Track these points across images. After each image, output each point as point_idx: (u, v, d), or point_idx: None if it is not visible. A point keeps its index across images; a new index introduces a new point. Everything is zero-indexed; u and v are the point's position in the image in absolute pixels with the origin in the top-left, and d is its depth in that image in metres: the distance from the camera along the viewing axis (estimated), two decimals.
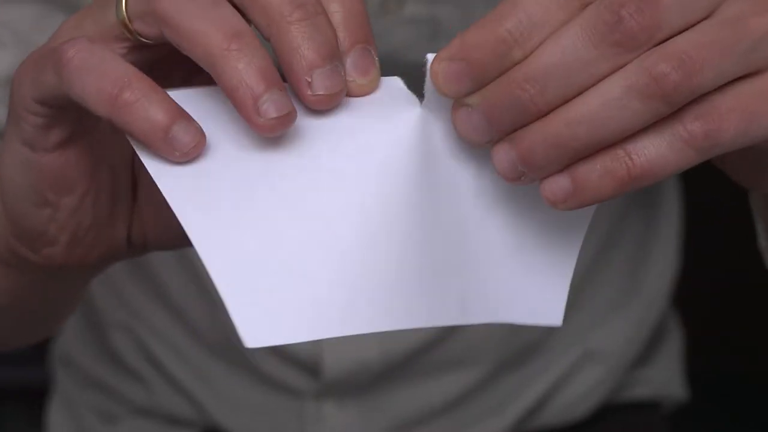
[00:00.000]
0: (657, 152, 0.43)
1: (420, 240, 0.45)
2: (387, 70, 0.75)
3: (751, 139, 0.43)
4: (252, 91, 0.43)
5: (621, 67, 0.42)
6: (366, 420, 0.84)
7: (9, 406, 1.75)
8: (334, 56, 0.44)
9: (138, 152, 0.44)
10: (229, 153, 0.44)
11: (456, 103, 0.44)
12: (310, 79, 0.44)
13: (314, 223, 0.44)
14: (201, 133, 0.44)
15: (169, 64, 0.49)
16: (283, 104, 0.43)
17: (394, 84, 0.47)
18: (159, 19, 0.45)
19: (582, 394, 0.88)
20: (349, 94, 0.46)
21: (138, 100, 0.44)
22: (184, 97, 0.45)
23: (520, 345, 0.85)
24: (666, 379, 0.93)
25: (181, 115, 0.44)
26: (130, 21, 0.46)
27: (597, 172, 0.43)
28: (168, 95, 0.44)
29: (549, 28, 0.42)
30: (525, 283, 0.47)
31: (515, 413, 0.86)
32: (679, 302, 0.97)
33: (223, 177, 0.44)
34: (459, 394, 0.85)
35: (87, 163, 0.50)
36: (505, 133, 0.43)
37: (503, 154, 0.44)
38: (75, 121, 0.49)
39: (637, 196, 0.89)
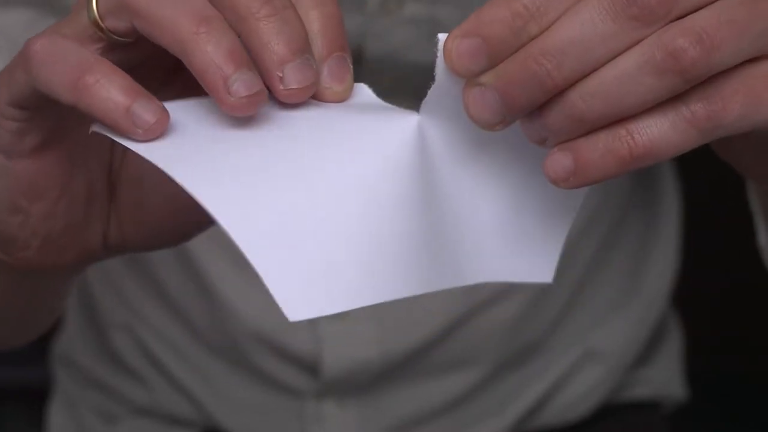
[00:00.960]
0: (659, 132, 0.43)
1: (421, 212, 0.46)
2: (387, 70, 0.75)
3: (755, 123, 0.43)
4: (221, 71, 0.43)
5: (638, 42, 0.42)
6: (366, 420, 0.84)
7: (9, 406, 1.75)
8: (304, 49, 0.45)
9: (137, 150, 0.44)
10: (240, 139, 0.45)
11: (468, 83, 0.44)
12: (281, 74, 0.45)
13: (327, 201, 0.44)
14: (162, 110, 0.44)
15: (147, 67, 0.49)
16: (253, 83, 0.44)
17: (364, 91, 0.48)
18: (129, 11, 0.45)
19: (582, 394, 0.88)
20: (323, 101, 0.47)
21: (98, 81, 0.44)
22: (182, 107, 0.46)
23: (520, 345, 0.86)
24: (666, 379, 0.93)
25: (141, 93, 0.44)
26: (101, 19, 0.46)
27: (599, 152, 0.43)
28: (127, 76, 0.45)
29: (565, 2, 0.42)
30: (520, 244, 0.48)
31: (515, 413, 0.87)
32: (679, 302, 0.97)
33: (238, 161, 0.44)
34: (459, 394, 0.85)
35: (62, 169, 0.50)
36: (519, 112, 0.43)
37: (527, 119, 0.44)
38: (50, 127, 0.49)
39: (637, 196, 0.89)
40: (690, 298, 1.05)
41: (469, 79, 0.44)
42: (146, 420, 0.88)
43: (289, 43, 0.44)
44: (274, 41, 0.44)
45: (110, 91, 0.44)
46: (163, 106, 0.44)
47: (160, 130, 0.44)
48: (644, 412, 0.92)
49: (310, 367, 0.83)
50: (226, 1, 0.45)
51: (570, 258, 0.85)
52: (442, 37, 0.44)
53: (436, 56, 0.44)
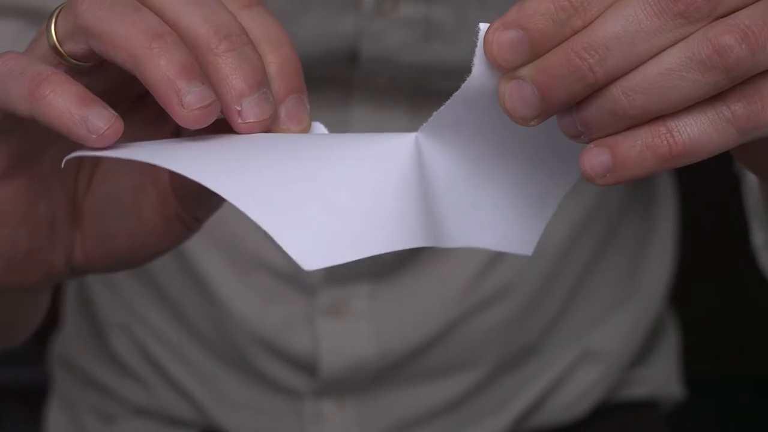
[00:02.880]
0: (699, 131, 0.43)
1: (418, 176, 0.47)
2: (382, 71, 0.75)
3: None
4: (174, 84, 0.44)
5: (681, 40, 0.42)
6: (365, 420, 0.84)
7: (8, 406, 1.75)
8: (261, 83, 0.46)
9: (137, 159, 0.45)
10: (235, 139, 0.47)
11: (504, 76, 0.44)
12: (239, 108, 0.45)
13: (324, 163, 0.46)
14: (116, 117, 0.45)
15: (112, 95, 0.49)
16: (206, 95, 0.44)
17: (321, 130, 0.49)
18: (85, 32, 0.45)
19: (580, 393, 0.88)
20: None
21: (53, 91, 0.45)
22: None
23: (518, 346, 0.86)
24: (663, 379, 0.93)
25: (95, 101, 0.45)
26: (60, 44, 0.47)
27: (638, 149, 0.43)
28: (81, 86, 0.45)
29: None
30: (506, 216, 0.49)
31: (514, 413, 0.87)
32: (677, 302, 0.97)
33: (230, 146, 0.46)
34: (457, 395, 0.85)
35: (25, 196, 0.51)
36: (556, 107, 0.43)
37: (566, 113, 0.44)
38: (16, 153, 0.49)
39: (634, 196, 0.89)
40: (687, 297, 1.05)
41: (506, 72, 0.43)
42: (145, 420, 0.88)
43: (247, 78, 0.45)
44: (232, 76, 0.45)
45: (65, 99, 0.45)
46: (117, 115, 0.45)
47: (113, 136, 0.45)
48: (642, 412, 0.92)
49: (308, 367, 0.83)
50: (188, 38, 0.45)
51: (567, 258, 0.85)
52: (483, 26, 0.43)
53: (476, 47, 0.44)
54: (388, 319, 0.82)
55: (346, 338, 0.82)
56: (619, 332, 0.89)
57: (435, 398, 0.85)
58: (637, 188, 0.90)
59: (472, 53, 0.75)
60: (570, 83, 0.42)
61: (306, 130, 0.48)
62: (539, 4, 0.42)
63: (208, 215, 0.52)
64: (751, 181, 0.70)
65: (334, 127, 0.78)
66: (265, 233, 0.83)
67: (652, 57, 0.42)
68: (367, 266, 0.81)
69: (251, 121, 0.46)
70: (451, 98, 0.45)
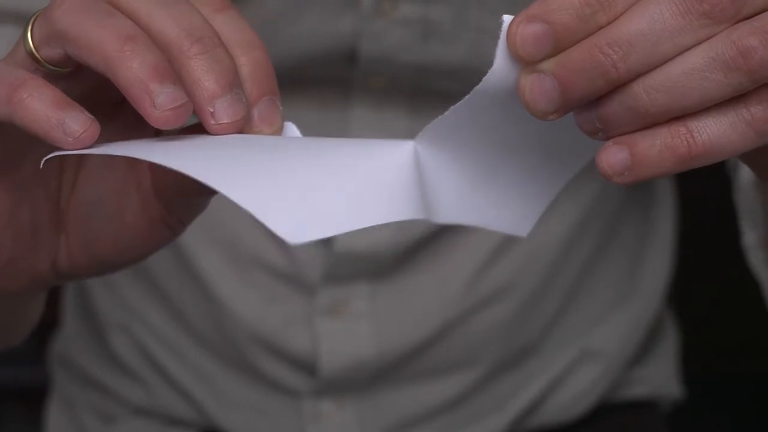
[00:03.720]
0: (718, 132, 0.43)
1: (411, 151, 0.47)
2: (381, 71, 0.75)
3: None
4: (146, 86, 0.45)
5: (705, 40, 0.42)
6: (364, 419, 0.84)
7: (8, 406, 1.75)
8: (233, 85, 0.46)
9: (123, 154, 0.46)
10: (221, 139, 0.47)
11: (525, 69, 0.44)
12: (212, 109, 0.46)
13: (304, 144, 0.47)
14: (92, 120, 0.45)
15: (91, 101, 0.49)
16: (177, 96, 0.45)
17: (291, 129, 0.49)
18: (60, 37, 0.46)
19: (579, 393, 0.88)
20: None
21: (31, 95, 0.45)
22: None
23: (517, 345, 0.86)
24: (662, 379, 0.93)
25: (71, 105, 0.46)
26: (37, 50, 0.47)
27: (657, 148, 0.43)
28: (58, 90, 0.46)
29: None
30: (506, 196, 0.49)
31: (513, 413, 0.87)
32: (676, 302, 0.97)
33: (214, 142, 0.47)
34: (457, 394, 0.85)
35: (6, 202, 0.51)
36: (576, 102, 0.43)
37: (585, 109, 0.44)
38: None
39: (633, 196, 0.89)
40: (686, 297, 1.05)
41: (527, 65, 0.43)
42: (144, 420, 0.88)
43: (219, 79, 0.46)
44: (204, 78, 0.46)
45: (42, 103, 0.45)
46: (93, 118, 0.45)
47: (89, 139, 0.45)
48: (641, 412, 0.92)
49: (308, 366, 0.83)
50: (160, 42, 0.46)
51: (566, 258, 0.85)
52: (507, 18, 0.43)
53: (499, 39, 0.44)
54: (388, 319, 0.82)
55: (346, 338, 0.82)
56: (619, 332, 0.89)
57: (434, 398, 0.85)
58: (637, 188, 0.90)
59: (471, 53, 0.75)
60: (592, 78, 0.42)
61: (279, 132, 0.49)
62: None
63: (192, 217, 0.52)
64: (743, 180, 0.70)
65: (333, 127, 0.78)
66: (264, 233, 0.83)
67: (675, 56, 0.42)
68: (366, 266, 0.81)
69: (224, 122, 0.46)
70: (472, 92, 0.45)
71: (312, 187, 0.45)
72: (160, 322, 0.86)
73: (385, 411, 0.84)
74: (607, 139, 0.44)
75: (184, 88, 0.46)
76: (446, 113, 0.46)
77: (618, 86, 0.43)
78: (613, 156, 0.43)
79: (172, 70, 0.45)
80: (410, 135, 0.49)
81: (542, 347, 0.87)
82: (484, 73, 0.81)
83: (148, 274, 0.85)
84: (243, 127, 0.47)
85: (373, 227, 0.79)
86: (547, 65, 0.43)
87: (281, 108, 0.49)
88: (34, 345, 0.83)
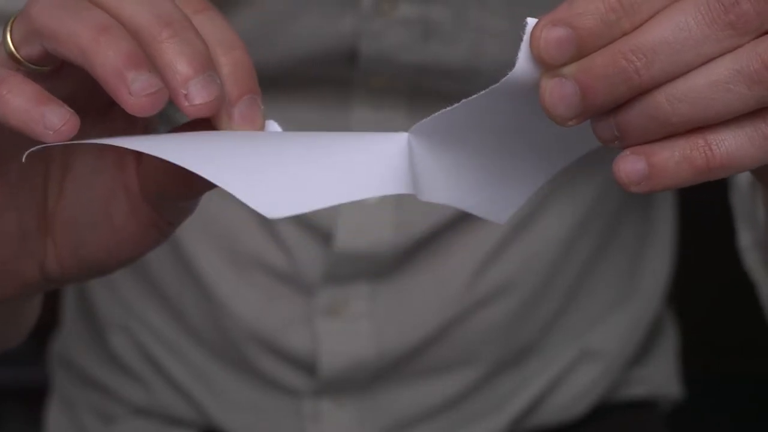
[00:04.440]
0: (736, 145, 0.43)
1: (398, 139, 0.48)
2: (381, 70, 0.75)
3: None
4: (122, 74, 0.45)
5: (729, 51, 0.42)
6: (364, 418, 0.84)
7: (8, 406, 1.75)
8: (205, 66, 0.46)
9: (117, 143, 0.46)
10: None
11: (546, 73, 0.43)
12: (186, 91, 0.46)
13: (296, 135, 0.48)
14: (71, 114, 0.46)
15: (80, 102, 0.50)
16: (153, 82, 0.45)
17: (273, 127, 0.50)
18: (37, 34, 0.46)
19: (579, 393, 0.88)
20: None
21: (10, 92, 0.46)
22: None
23: (516, 344, 0.86)
24: (662, 378, 0.93)
25: (51, 99, 0.46)
26: (17, 50, 0.47)
27: (675, 159, 0.43)
28: (38, 85, 0.46)
29: (660, 1, 0.42)
30: (489, 182, 0.49)
31: (512, 412, 0.87)
32: (676, 301, 0.97)
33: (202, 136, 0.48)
34: (456, 394, 0.85)
35: None
36: (596, 108, 0.43)
37: (603, 116, 0.44)
38: None
39: (633, 196, 0.89)
40: (686, 297, 1.05)
41: (549, 69, 0.43)
42: (144, 420, 0.88)
43: (191, 61, 0.46)
44: (176, 61, 0.46)
45: (22, 98, 0.46)
46: (73, 112, 0.46)
47: (69, 132, 0.46)
48: (641, 412, 0.92)
49: (307, 366, 0.83)
50: (131, 29, 0.46)
51: (566, 257, 0.85)
52: (531, 21, 0.43)
53: (522, 41, 0.44)
54: (388, 319, 0.82)
55: (346, 338, 0.82)
56: (618, 332, 0.90)
57: (434, 397, 0.85)
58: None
59: (471, 53, 0.75)
60: (614, 84, 0.42)
61: (261, 129, 0.49)
62: (589, 3, 0.42)
63: (181, 219, 0.53)
64: (739, 181, 0.70)
65: (334, 127, 0.78)
66: (264, 234, 0.83)
67: (698, 65, 0.42)
68: (366, 266, 0.81)
69: (198, 103, 0.46)
70: (488, 91, 0.45)
71: (293, 165, 0.45)
72: (159, 322, 0.86)
73: (385, 411, 0.85)
74: (624, 147, 0.44)
75: (160, 74, 0.46)
76: (452, 107, 0.46)
77: (639, 94, 0.42)
78: (631, 165, 0.43)
79: (147, 58, 0.46)
80: None
81: (542, 347, 0.87)
82: (484, 73, 0.81)
83: (147, 275, 0.85)
84: (218, 108, 0.47)
85: (373, 227, 0.80)
86: (569, 70, 0.43)
87: (262, 106, 0.49)
88: (34, 345, 0.83)
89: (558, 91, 0.43)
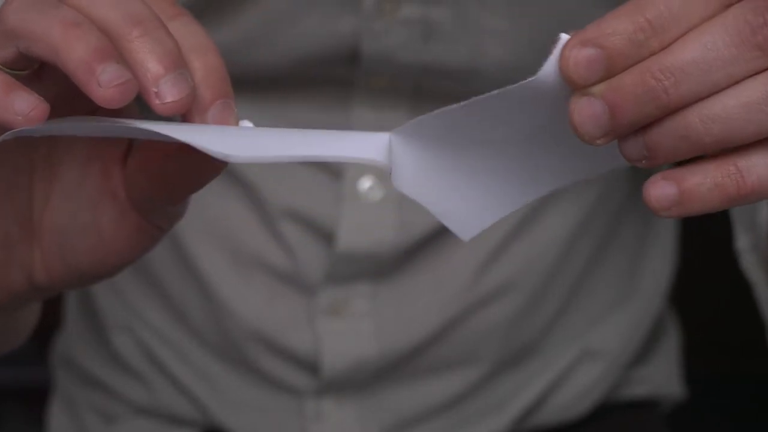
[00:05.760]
0: (766, 171, 0.43)
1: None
2: (382, 71, 0.75)
3: None
4: (91, 67, 0.45)
5: (758, 72, 0.42)
6: (366, 418, 0.84)
7: (9, 406, 1.75)
8: (176, 64, 0.47)
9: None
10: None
11: (577, 92, 0.44)
12: (157, 89, 0.46)
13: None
14: (40, 100, 0.46)
15: (68, 108, 0.50)
16: (121, 73, 0.45)
17: (247, 125, 0.50)
18: (11, 35, 0.47)
19: (580, 392, 0.89)
20: None
21: None
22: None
23: (518, 344, 0.86)
24: (663, 378, 0.93)
25: (19, 87, 0.46)
26: None
27: (707, 186, 0.43)
28: (7, 76, 0.47)
29: (688, 22, 0.42)
30: (469, 199, 0.50)
31: (514, 412, 0.87)
32: (677, 301, 0.97)
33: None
34: (458, 393, 0.85)
35: None
36: (624, 127, 0.43)
37: (632, 136, 0.44)
38: None
39: (634, 195, 0.90)
40: (687, 297, 1.05)
41: (577, 89, 0.44)
42: (146, 420, 0.88)
43: (162, 59, 0.46)
44: (146, 59, 0.46)
45: None
46: (42, 98, 0.46)
47: (37, 117, 0.46)
48: (642, 411, 0.92)
49: (310, 365, 0.83)
50: (102, 27, 0.47)
51: (567, 257, 0.85)
52: (564, 37, 0.43)
53: (551, 55, 0.44)
54: (389, 319, 0.82)
55: (347, 338, 0.82)
56: (620, 332, 0.90)
57: (435, 397, 0.85)
58: (638, 188, 0.90)
59: (472, 54, 0.75)
60: (642, 104, 0.43)
61: None
62: (618, 24, 0.43)
63: (171, 224, 0.53)
64: None
65: (334, 127, 0.77)
66: (266, 234, 0.83)
67: (726, 86, 0.42)
68: (367, 266, 0.81)
69: (169, 101, 0.46)
70: (503, 91, 0.45)
71: (269, 136, 0.47)
72: (161, 322, 0.86)
73: (387, 410, 0.85)
74: (651, 166, 0.44)
75: (132, 73, 0.46)
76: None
77: (667, 114, 0.43)
78: (662, 191, 0.44)
79: (116, 51, 0.46)
80: None
81: (543, 346, 0.87)
82: (485, 73, 0.81)
83: (150, 275, 0.85)
84: (189, 105, 0.47)
85: (374, 227, 0.80)
86: (598, 89, 0.43)
87: (235, 110, 0.49)
88: (35, 345, 0.83)
89: (587, 110, 0.43)
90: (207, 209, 0.82)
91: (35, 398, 1.24)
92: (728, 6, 0.43)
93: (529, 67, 0.66)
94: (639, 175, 0.90)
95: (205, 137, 0.46)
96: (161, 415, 0.87)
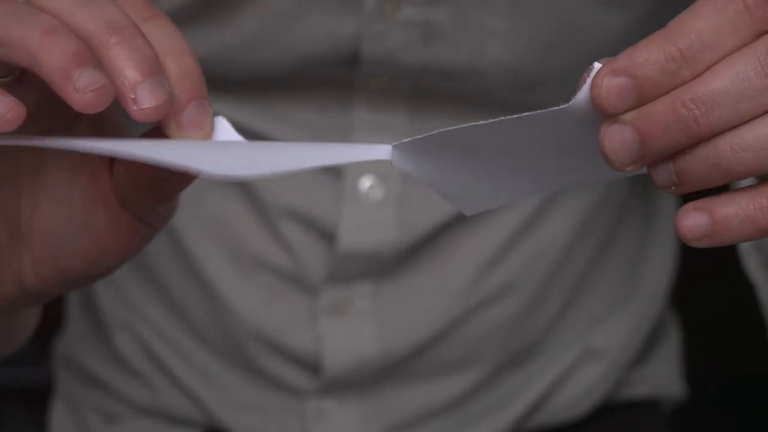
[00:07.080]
0: None
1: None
2: (383, 72, 0.75)
3: None
4: (67, 71, 0.45)
5: None
6: (367, 418, 0.84)
7: (10, 406, 1.75)
8: (154, 71, 0.47)
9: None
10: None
11: (608, 120, 0.44)
12: (134, 96, 0.47)
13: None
14: (16, 103, 0.46)
15: (43, 119, 0.50)
16: (98, 78, 0.46)
17: (222, 123, 0.50)
18: None
19: (581, 392, 0.89)
20: None
21: None
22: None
23: (519, 344, 0.86)
24: (664, 378, 0.93)
25: None
26: None
27: (739, 218, 0.44)
28: None
29: (719, 51, 0.43)
30: (468, 184, 0.50)
31: (515, 412, 0.87)
32: (678, 301, 0.97)
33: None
34: (459, 393, 0.85)
35: None
36: (654, 155, 0.44)
37: (662, 162, 0.44)
38: None
39: (635, 196, 0.90)
40: (688, 297, 1.05)
41: (610, 116, 0.44)
42: (148, 420, 0.88)
43: (139, 66, 0.47)
44: (124, 66, 0.47)
45: None
46: (18, 101, 0.46)
47: (14, 120, 0.46)
48: (643, 411, 0.92)
49: (311, 365, 0.83)
50: (80, 35, 0.47)
51: (569, 257, 0.86)
52: (597, 65, 0.44)
53: (585, 80, 0.44)
54: (391, 318, 0.82)
55: (349, 338, 0.82)
56: (621, 332, 0.90)
57: (437, 397, 0.85)
58: (638, 188, 0.90)
59: (472, 55, 0.75)
60: (673, 132, 0.43)
61: (208, 135, 0.50)
62: (650, 53, 0.43)
63: (163, 223, 0.53)
64: (739, 185, 0.70)
65: (334, 129, 0.78)
66: (267, 234, 0.83)
67: (756, 116, 0.43)
68: (369, 266, 0.81)
69: (146, 107, 0.47)
70: (534, 114, 0.45)
71: (260, 149, 0.47)
72: (163, 321, 0.86)
73: (389, 410, 0.85)
74: (680, 193, 0.45)
75: (111, 80, 0.47)
76: (471, 125, 0.47)
77: (698, 142, 0.43)
78: (693, 221, 0.44)
79: (93, 57, 0.46)
80: (411, 136, 0.49)
81: (545, 346, 0.87)
82: (485, 74, 0.81)
83: (151, 274, 0.85)
84: (166, 112, 0.48)
85: (376, 227, 0.80)
86: (629, 116, 0.44)
87: (211, 111, 0.50)
88: (36, 346, 0.83)
89: (618, 137, 0.44)
90: (208, 209, 0.82)
91: (36, 398, 1.24)
92: (759, 35, 0.43)
93: (530, 67, 0.67)
94: (639, 175, 0.90)
95: (197, 156, 0.45)
96: (162, 415, 0.87)
